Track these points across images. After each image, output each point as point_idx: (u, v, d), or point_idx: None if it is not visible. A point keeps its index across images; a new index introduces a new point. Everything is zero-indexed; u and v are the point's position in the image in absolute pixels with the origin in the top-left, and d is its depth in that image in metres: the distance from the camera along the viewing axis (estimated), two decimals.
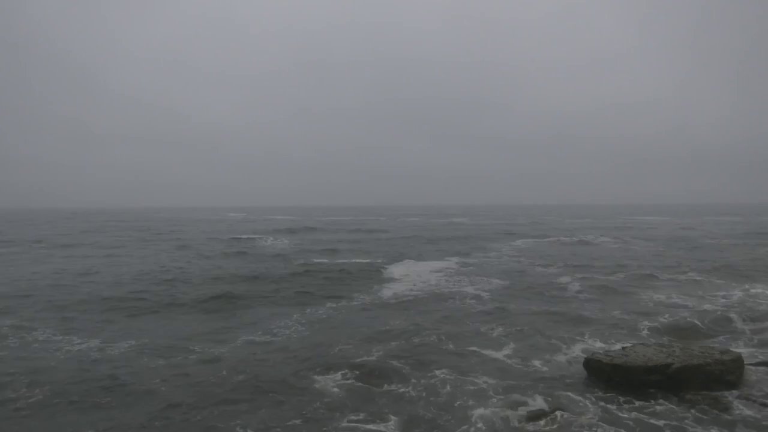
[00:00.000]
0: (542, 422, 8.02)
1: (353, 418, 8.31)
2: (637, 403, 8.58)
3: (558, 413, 8.24)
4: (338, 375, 10.11)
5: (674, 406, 8.44)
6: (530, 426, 7.95)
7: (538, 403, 8.74)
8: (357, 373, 10.21)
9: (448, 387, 9.56)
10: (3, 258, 30.55)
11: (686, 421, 7.99)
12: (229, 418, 8.25)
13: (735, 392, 8.90)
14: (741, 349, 10.83)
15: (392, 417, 8.34)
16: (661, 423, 7.93)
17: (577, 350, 11.75)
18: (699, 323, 14.03)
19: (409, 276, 22.87)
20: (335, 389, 9.44)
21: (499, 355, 11.54)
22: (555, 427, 7.87)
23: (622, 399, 8.76)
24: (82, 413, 8.48)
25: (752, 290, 18.47)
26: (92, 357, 11.33)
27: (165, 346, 12.08)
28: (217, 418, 8.24)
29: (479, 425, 8.02)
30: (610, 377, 9.30)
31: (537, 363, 10.99)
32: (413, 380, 9.97)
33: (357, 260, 28.66)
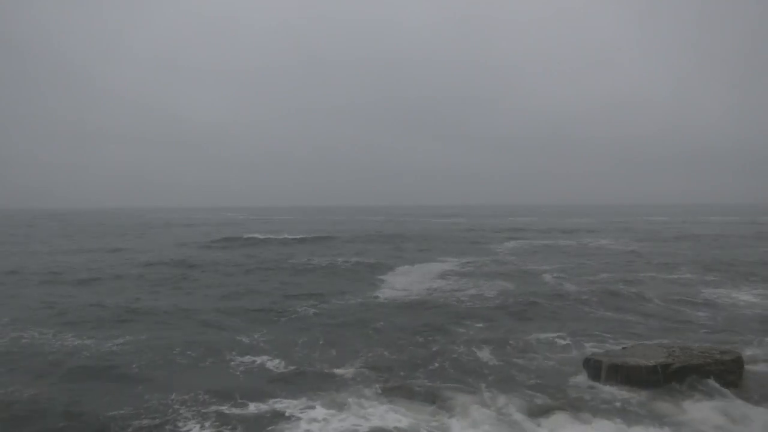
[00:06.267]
0: (540, 422, 7.97)
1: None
2: (637, 404, 8.53)
3: (556, 413, 8.19)
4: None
5: (674, 407, 8.39)
6: (527, 425, 7.89)
7: (536, 402, 8.69)
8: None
9: (448, 385, 9.50)
10: None
11: (686, 421, 7.93)
12: None
13: (735, 392, 8.85)
14: (741, 349, 10.78)
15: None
16: (660, 424, 7.87)
17: (576, 350, 11.70)
18: (697, 322, 14.01)
19: (408, 278, 22.80)
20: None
21: (495, 353, 11.48)
22: (552, 426, 7.83)
23: (621, 399, 8.71)
24: None
25: (752, 290, 18.45)
26: None
27: None
28: None
29: (475, 423, 7.96)
30: (609, 377, 9.25)
31: (534, 362, 10.94)
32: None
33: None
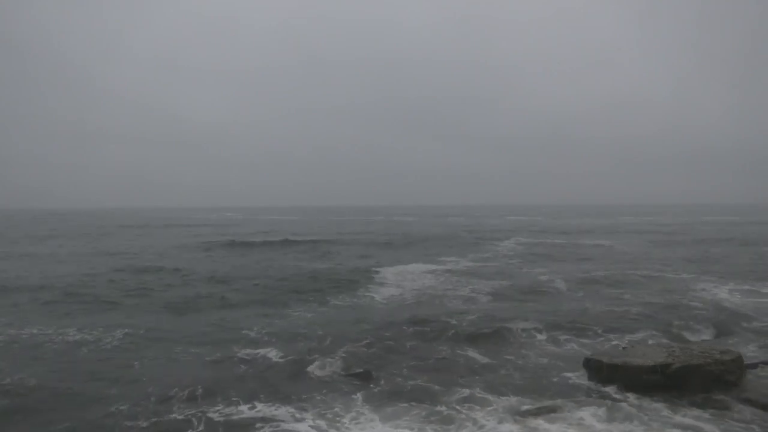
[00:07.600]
0: (540, 421, 7.94)
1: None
2: (637, 403, 8.51)
3: (556, 413, 8.17)
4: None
5: (674, 407, 8.38)
6: (527, 425, 7.87)
7: (536, 402, 8.68)
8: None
9: (443, 385, 9.50)
10: None
11: (686, 421, 7.92)
12: None
13: (735, 392, 8.83)
14: (740, 349, 10.76)
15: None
16: (660, 423, 7.86)
17: (575, 349, 11.69)
18: (694, 322, 13.98)
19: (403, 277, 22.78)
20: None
21: (492, 352, 11.47)
22: (553, 426, 7.81)
23: (621, 399, 8.70)
24: None
25: (750, 290, 18.44)
26: None
27: None
28: None
29: (475, 424, 7.95)
30: (609, 377, 9.24)
31: (531, 362, 10.92)
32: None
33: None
